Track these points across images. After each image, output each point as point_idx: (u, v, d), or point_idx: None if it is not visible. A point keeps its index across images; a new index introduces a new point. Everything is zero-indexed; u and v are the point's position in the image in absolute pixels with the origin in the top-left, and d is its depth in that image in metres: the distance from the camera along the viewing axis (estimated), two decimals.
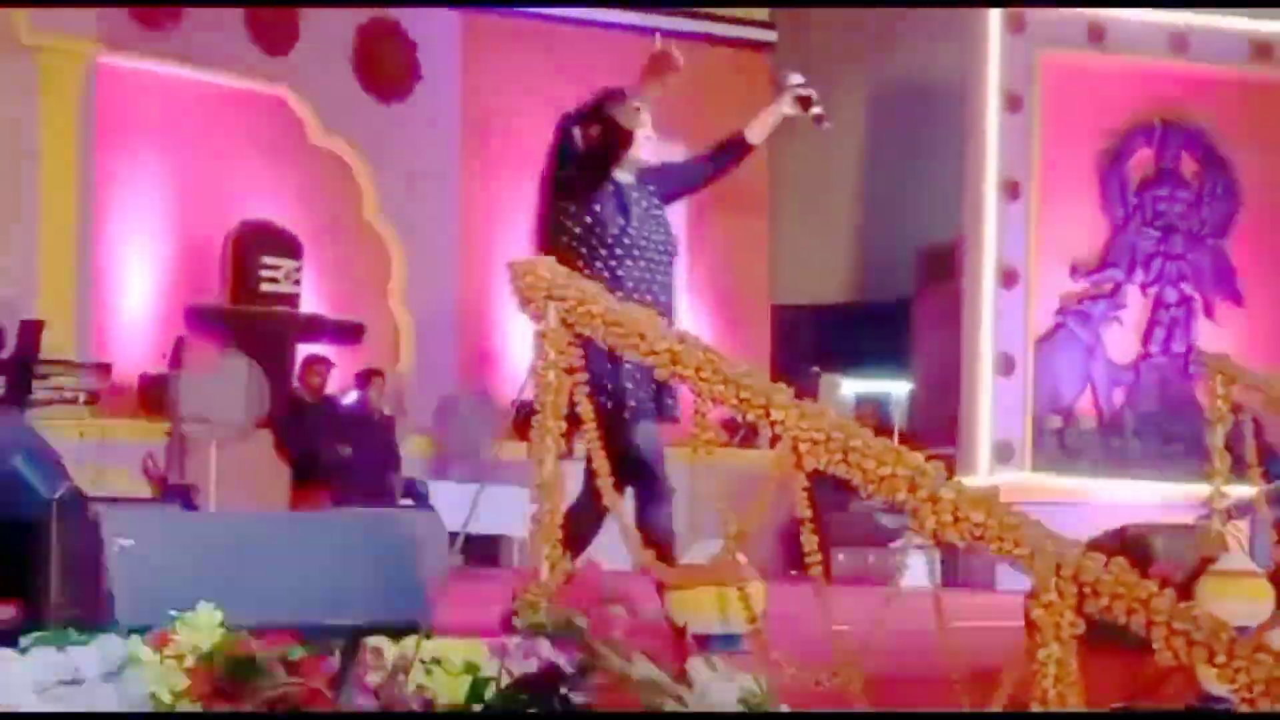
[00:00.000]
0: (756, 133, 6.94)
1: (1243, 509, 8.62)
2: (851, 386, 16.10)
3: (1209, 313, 14.55)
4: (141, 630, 4.32)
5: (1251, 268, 14.66)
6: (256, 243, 13.93)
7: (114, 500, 6.76)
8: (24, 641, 4.22)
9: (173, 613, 4.33)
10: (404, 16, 14.90)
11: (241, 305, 13.69)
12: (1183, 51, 14.26)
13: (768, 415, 4.48)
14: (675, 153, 16.20)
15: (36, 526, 4.75)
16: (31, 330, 10.68)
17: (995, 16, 13.81)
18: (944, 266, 14.70)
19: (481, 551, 12.59)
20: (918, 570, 4.46)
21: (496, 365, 14.83)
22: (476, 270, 14.87)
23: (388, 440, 13.10)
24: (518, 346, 14.33)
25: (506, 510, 11.50)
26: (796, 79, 6.81)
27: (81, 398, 12.38)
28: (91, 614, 4.64)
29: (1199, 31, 14.24)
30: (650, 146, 6.80)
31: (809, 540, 4.37)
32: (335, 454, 12.41)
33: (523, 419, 5.16)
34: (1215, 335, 14.09)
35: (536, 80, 15.38)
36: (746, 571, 4.66)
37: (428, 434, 14.23)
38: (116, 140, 13.36)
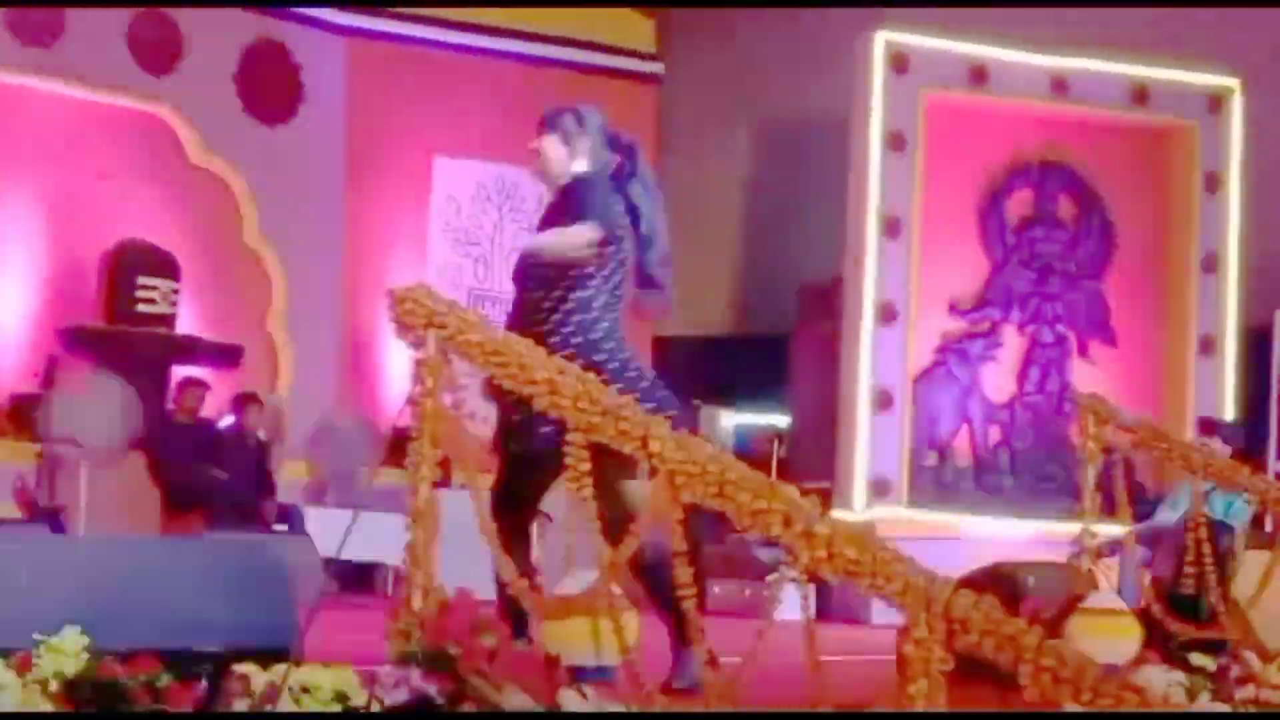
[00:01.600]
0: None
1: (1113, 547, 8.73)
2: (732, 419, 16.15)
3: (1083, 353, 14.74)
4: (5, 653, 4.26)
5: (1125, 309, 14.87)
6: (133, 263, 13.76)
7: None
8: None
9: (36, 636, 4.27)
10: (289, 39, 14.80)
11: (117, 325, 13.52)
12: (1063, 94, 14.46)
13: (645, 447, 4.48)
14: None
15: None
16: None
17: (879, 56, 13.95)
18: (825, 302, 14.80)
19: (356, 579, 12.50)
20: (792, 604, 4.47)
21: (377, 391, 14.75)
22: (359, 295, 14.78)
23: (262, 465, 12.99)
24: (399, 373, 14.26)
25: (381, 537, 11.46)
26: None
27: None
28: None
29: (1079, 75, 14.45)
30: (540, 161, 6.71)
31: (683, 573, 4.37)
32: (209, 478, 12.28)
33: (400, 446, 5.13)
34: (1089, 375, 14.29)
35: (420, 106, 15.35)
36: (620, 602, 4.64)
37: (305, 459, 14.12)
38: None
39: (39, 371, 12.90)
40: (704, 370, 16.40)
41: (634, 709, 4.33)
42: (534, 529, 12.94)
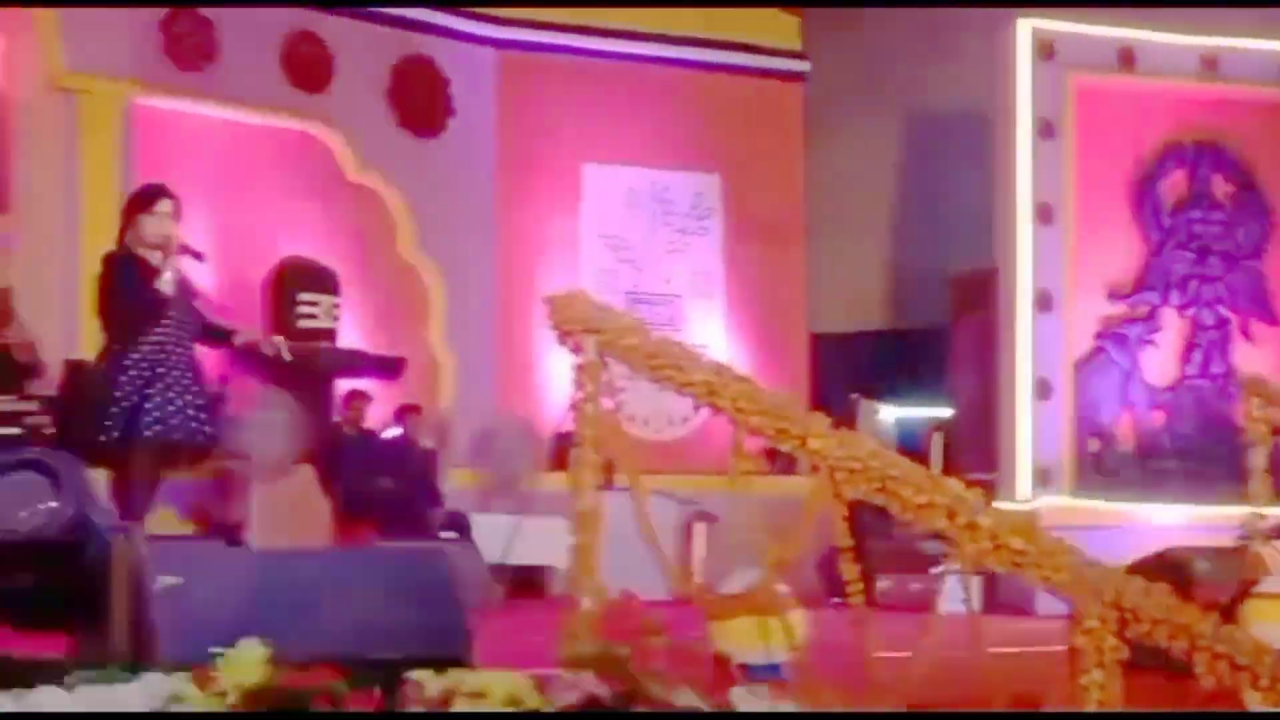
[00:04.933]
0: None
1: None
2: (891, 413, 16.10)
3: (1246, 334, 14.51)
4: (186, 667, 4.35)
5: None
6: (295, 279, 13.96)
7: (158, 538, 6.81)
8: (70, 679, 4.26)
9: (216, 649, 4.36)
10: (437, 53, 14.97)
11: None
12: (1213, 73, 14.25)
13: (805, 445, 4.50)
14: (711, 184, 16.38)
15: (96, 566, 4.74)
16: (73, 370, 10.74)
17: (1025, 42, 13.83)
18: (980, 292, 14.69)
19: (523, 583, 12.59)
20: (957, 596, 4.46)
21: (535, 397, 14.86)
22: (514, 303, 14.91)
23: (428, 474, 13.12)
24: (556, 378, 14.36)
25: (547, 541, 11.55)
26: None
27: None
28: (138, 651, 4.67)
29: (1229, 53, 14.23)
30: None
31: (849, 569, 4.39)
32: (377, 488, 12.43)
33: (562, 451, 5.19)
34: (1252, 356, 14.07)
35: (568, 114, 15.45)
36: (787, 600, 4.67)
37: (468, 467, 14.25)
38: (155, 180, 13.41)
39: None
40: (861, 365, 16.36)
41: (804, 707, 4.35)
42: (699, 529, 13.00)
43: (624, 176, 15.93)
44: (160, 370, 7.79)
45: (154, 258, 7.80)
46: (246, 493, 11.60)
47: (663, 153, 15.90)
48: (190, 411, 7.88)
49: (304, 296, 13.75)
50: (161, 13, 13.32)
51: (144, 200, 7.94)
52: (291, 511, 11.53)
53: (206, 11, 13.50)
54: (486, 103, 15.27)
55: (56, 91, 12.87)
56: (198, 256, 8.05)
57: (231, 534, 11.38)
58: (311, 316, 13.79)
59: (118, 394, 7.71)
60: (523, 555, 12.11)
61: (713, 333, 15.65)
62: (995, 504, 4.26)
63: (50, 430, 10.46)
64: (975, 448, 14.36)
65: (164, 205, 7.88)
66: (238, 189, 13.81)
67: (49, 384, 11.14)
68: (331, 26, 14.31)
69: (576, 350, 5.00)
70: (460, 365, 14.95)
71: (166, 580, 4.65)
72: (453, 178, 14.97)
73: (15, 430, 10.38)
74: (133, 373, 7.76)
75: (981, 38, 14.48)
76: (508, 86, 15.36)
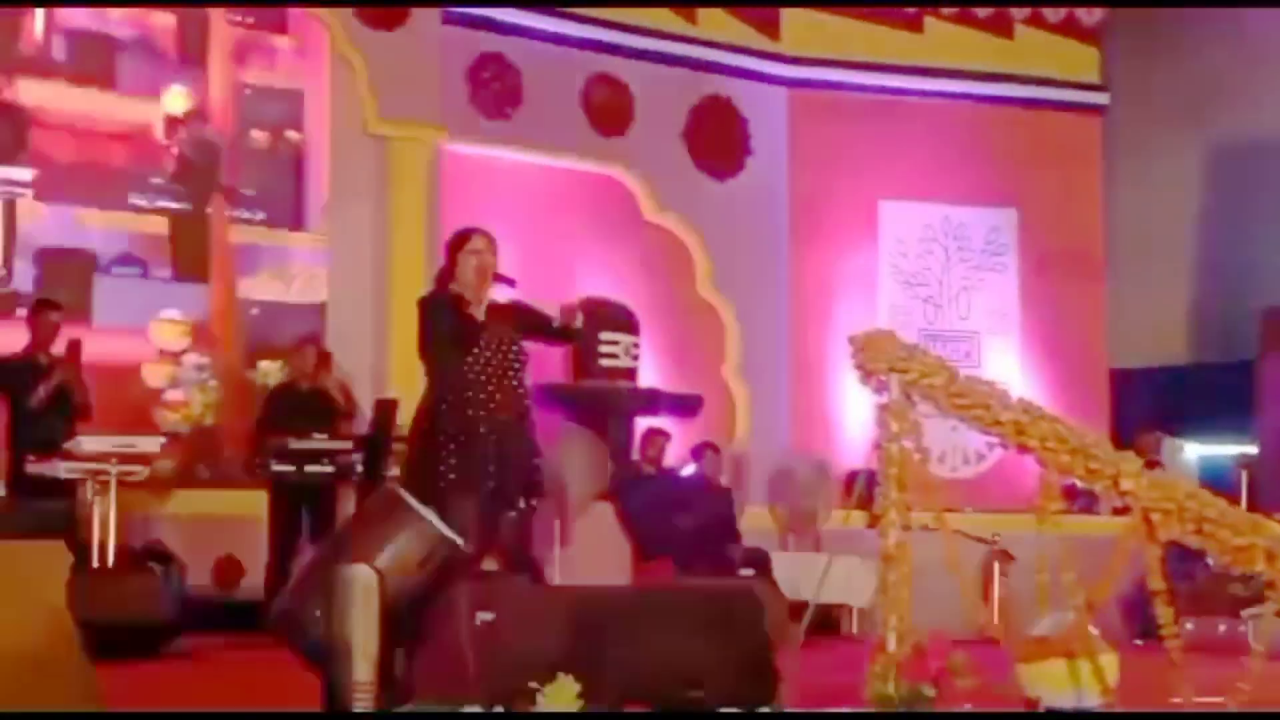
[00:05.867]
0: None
1: None
2: (1195, 450, 15.74)
3: None
4: (503, 700, 4.46)
5: None
6: (596, 319, 14.11)
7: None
8: (401, 711, 4.40)
9: (533, 685, 4.46)
10: (732, 92, 15.12)
11: (583, 381, 13.94)
12: None
13: (1117, 486, 4.46)
14: (1008, 219, 16.23)
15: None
16: (385, 409, 11.06)
17: None
18: None
19: (820, 621, 12.54)
20: (1276, 639, 4.38)
21: (829, 434, 14.86)
22: (809, 341, 14.95)
23: (726, 511, 13.17)
24: (851, 416, 14.34)
25: (849, 580, 11.52)
26: None
27: None
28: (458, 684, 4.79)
29: None
30: None
31: (1164, 612, 4.33)
32: (675, 526, 12.52)
33: (863, 490, 5.20)
34: None
35: (863, 152, 15.45)
36: (1099, 643, 4.61)
37: (765, 504, 14.30)
38: (460, 222, 13.74)
39: None
40: (1164, 401, 16.03)
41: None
42: (996, 567, 12.83)
43: (919, 213, 15.86)
44: (480, 410, 7.72)
45: (468, 292, 7.90)
46: (548, 529, 11.78)
47: (958, 188, 15.80)
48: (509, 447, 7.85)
49: (604, 336, 13.92)
50: (469, 61, 13.70)
51: (461, 238, 8.10)
52: (592, 548, 11.68)
53: (512, 59, 13.87)
54: (779, 141, 15.36)
55: (370, 138, 13.31)
56: (510, 283, 8.13)
57: (534, 570, 11.55)
58: (612, 356, 13.96)
59: (438, 434, 7.73)
60: (826, 594, 12.10)
61: (1010, 369, 15.46)
62: None
63: (360, 469, 10.82)
64: None
65: (478, 241, 8.01)
66: (540, 231, 14.08)
67: (360, 423, 11.53)
68: (630, 70, 14.56)
69: (880, 390, 5.01)
70: (755, 402, 15.02)
71: (483, 616, 4.76)
72: (748, 216, 15.08)
73: (327, 468, 10.75)
74: (453, 411, 7.71)
75: None
76: (800, 125, 15.43)
